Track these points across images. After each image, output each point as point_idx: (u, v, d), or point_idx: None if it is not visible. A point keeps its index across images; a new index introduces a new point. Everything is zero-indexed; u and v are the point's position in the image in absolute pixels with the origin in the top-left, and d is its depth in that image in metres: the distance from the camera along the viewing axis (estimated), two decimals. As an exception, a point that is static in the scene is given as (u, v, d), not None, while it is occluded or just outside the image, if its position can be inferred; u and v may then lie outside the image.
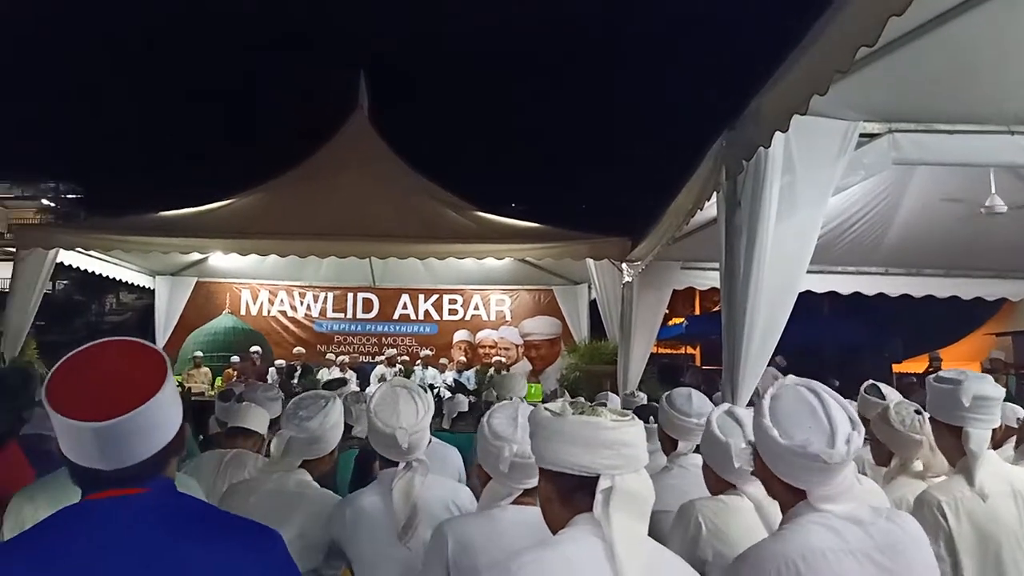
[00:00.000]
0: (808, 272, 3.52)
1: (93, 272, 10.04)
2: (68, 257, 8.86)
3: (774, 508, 2.16)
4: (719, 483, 2.36)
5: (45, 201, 36.43)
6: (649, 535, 1.59)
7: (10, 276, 8.24)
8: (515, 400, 2.42)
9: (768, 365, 3.50)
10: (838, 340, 15.82)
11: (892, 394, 3.37)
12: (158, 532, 1.36)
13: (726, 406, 2.47)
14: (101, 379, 1.37)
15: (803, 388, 1.82)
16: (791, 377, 1.86)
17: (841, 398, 1.79)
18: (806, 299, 4.46)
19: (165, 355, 1.46)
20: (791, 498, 1.80)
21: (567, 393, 6.61)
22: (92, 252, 9.31)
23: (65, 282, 26.34)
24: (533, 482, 2.10)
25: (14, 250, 8.30)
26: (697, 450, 2.68)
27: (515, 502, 2.13)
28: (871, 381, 3.52)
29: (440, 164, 16.75)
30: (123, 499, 1.37)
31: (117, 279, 11.23)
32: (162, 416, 1.40)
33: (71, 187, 34.89)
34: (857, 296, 7.14)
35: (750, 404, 3.34)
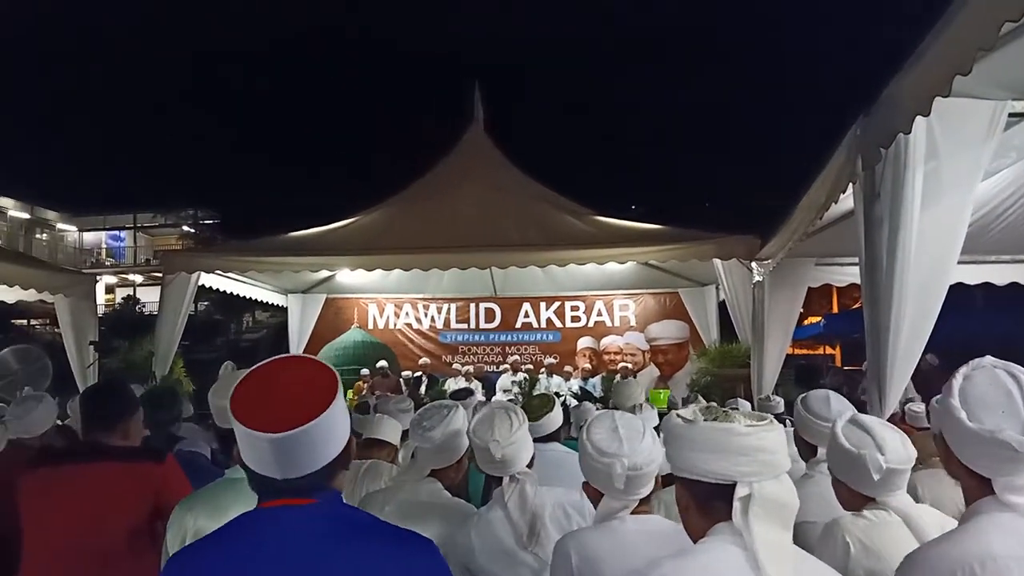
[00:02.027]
0: (959, 263, 3.30)
1: (231, 293, 10.62)
2: (208, 279, 9.38)
3: (925, 520, 2.03)
4: (855, 498, 2.20)
5: (185, 228, 38.89)
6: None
7: (158, 299, 8.78)
8: (609, 410, 2.38)
9: (918, 364, 3.30)
10: (995, 334, 14.68)
11: None
12: (325, 541, 1.45)
13: (849, 414, 2.31)
14: (278, 394, 1.47)
15: (1000, 370, 1.67)
16: (988, 358, 1.72)
17: None
18: (957, 292, 4.16)
19: (336, 372, 1.55)
20: (974, 486, 1.67)
21: (700, 398, 6.44)
22: (230, 274, 9.79)
23: (206, 303, 27.89)
24: (647, 490, 2.09)
25: (161, 275, 8.81)
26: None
27: (633, 512, 2.09)
28: None
29: (557, 169, 16.77)
30: (293, 508, 1.48)
31: (252, 298, 11.79)
32: (331, 431, 1.48)
33: (207, 213, 37.04)
34: (1014, 287, 6.61)
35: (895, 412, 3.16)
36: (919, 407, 5.72)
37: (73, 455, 3.02)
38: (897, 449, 2.11)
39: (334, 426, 1.48)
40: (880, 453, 2.09)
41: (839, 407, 2.74)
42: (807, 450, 2.86)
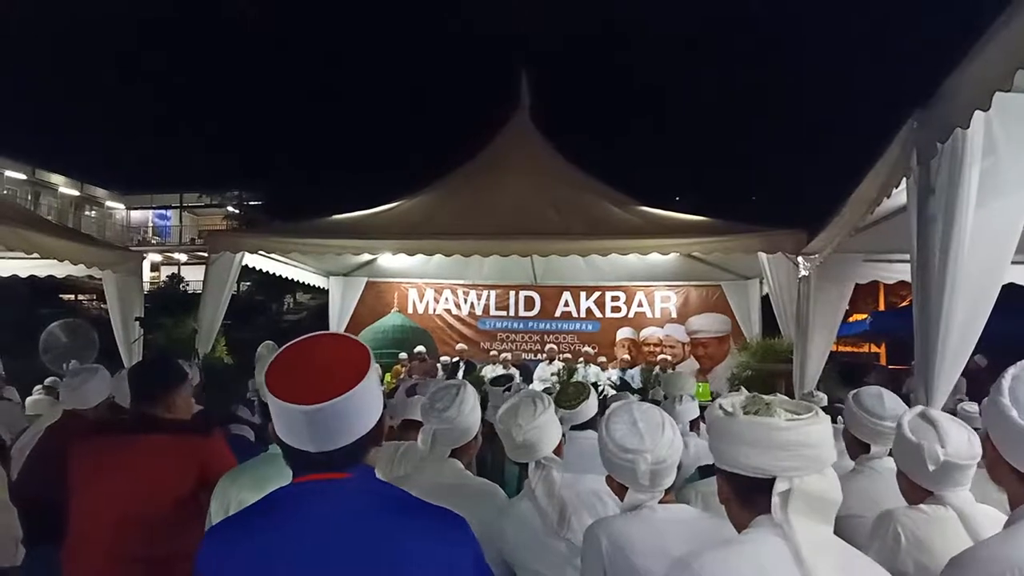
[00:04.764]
0: (1012, 263, 3.20)
1: (273, 273, 10.64)
2: (252, 260, 9.43)
3: (981, 518, 2.00)
4: (915, 491, 2.18)
5: (230, 208, 39.36)
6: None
7: (203, 278, 8.88)
8: (628, 399, 2.37)
9: (967, 365, 3.23)
10: (1047, 337, 14.26)
11: None
12: (359, 515, 1.49)
13: (919, 408, 2.29)
14: (313, 368, 1.51)
15: None
16: None
17: None
18: (1011, 292, 4.06)
19: (369, 348, 1.58)
20: (1020, 488, 1.64)
21: (743, 390, 6.36)
22: (273, 255, 9.87)
23: (248, 283, 28.06)
24: (671, 480, 2.09)
25: (206, 254, 8.92)
26: (890, 454, 2.50)
27: (660, 501, 2.09)
28: None
29: (602, 159, 16.63)
30: (328, 482, 1.51)
31: (294, 280, 11.86)
32: (364, 404, 1.52)
33: (252, 195, 37.42)
34: (1069, 288, 6.41)
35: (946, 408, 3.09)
36: (972, 407, 5.59)
37: (123, 427, 3.09)
38: (960, 444, 2.09)
39: (367, 400, 1.51)
40: (940, 445, 2.07)
41: (892, 405, 2.71)
42: (858, 447, 2.81)
